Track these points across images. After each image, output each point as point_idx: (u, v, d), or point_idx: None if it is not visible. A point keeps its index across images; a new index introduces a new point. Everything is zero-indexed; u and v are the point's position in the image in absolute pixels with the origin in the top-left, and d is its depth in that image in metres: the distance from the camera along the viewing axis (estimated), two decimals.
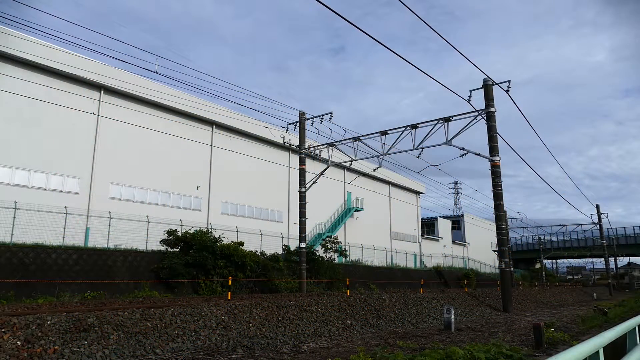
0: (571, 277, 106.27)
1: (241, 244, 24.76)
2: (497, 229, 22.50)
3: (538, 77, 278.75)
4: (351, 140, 25.77)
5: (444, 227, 70.03)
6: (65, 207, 23.61)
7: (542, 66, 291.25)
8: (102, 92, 26.74)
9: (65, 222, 23.42)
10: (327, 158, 26.85)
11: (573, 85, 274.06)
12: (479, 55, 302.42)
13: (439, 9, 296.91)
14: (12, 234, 20.69)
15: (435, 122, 22.87)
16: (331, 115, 25.82)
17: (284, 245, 31.29)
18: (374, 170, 29.33)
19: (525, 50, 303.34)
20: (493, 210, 22.40)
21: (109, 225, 24.69)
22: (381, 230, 51.82)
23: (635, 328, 8.62)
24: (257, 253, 26.25)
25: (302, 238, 25.53)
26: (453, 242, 71.74)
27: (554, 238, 70.83)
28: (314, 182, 26.71)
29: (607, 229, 63.11)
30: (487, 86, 22.58)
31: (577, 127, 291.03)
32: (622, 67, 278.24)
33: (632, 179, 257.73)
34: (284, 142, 29.23)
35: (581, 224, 56.42)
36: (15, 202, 21.36)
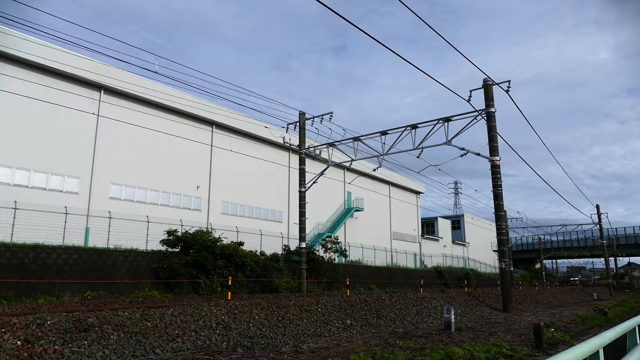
0: (576, 278, 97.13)
1: (241, 244, 24.76)
2: (497, 229, 22.50)
3: (540, 76, 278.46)
4: (351, 140, 25.78)
5: (444, 227, 70.02)
6: (65, 207, 23.60)
7: (544, 65, 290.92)
8: (102, 92, 26.74)
9: (65, 222, 23.42)
10: (327, 158, 26.85)
11: (575, 84, 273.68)
12: (481, 54, 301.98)
13: (441, 7, 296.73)
14: (12, 234, 20.69)
15: (435, 122, 22.88)
16: (331, 115, 25.85)
17: (284, 245, 31.29)
18: (374, 170, 29.34)
19: (527, 48, 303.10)
20: (493, 210, 22.41)
21: (109, 225, 24.69)
22: (381, 230, 51.80)
23: (635, 328, 8.62)
24: (257, 253, 26.24)
25: (302, 238, 25.53)
26: (453, 242, 71.74)
27: (554, 238, 70.88)
28: (314, 182, 26.71)
29: (607, 229, 63.16)
30: (487, 86, 22.58)
31: (579, 127, 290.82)
32: (625, 66, 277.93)
33: (634, 178, 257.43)
34: (284, 142, 29.23)
35: (581, 224, 56.56)
36: (15, 202, 21.36)
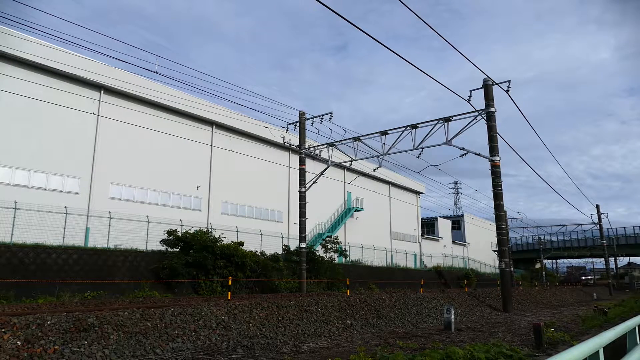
0: (589, 277, 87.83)
1: (241, 244, 24.76)
2: (497, 229, 22.50)
3: (541, 75, 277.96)
4: (351, 140, 25.78)
5: (444, 227, 70.01)
6: (65, 207, 23.60)
7: (546, 64, 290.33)
8: (102, 92, 26.73)
9: (65, 222, 23.42)
10: (327, 158, 26.85)
11: (577, 83, 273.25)
12: (483, 53, 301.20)
13: (443, 5, 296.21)
14: (12, 234, 20.69)
15: (435, 122, 22.88)
16: (331, 115, 25.85)
17: (284, 245, 31.29)
18: (374, 170, 29.32)
19: (529, 48, 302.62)
20: (493, 210, 22.40)
21: (109, 225, 24.69)
22: (381, 230, 51.80)
23: (635, 328, 8.61)
24: (257, 253, 26.25)
25: (302, 238, 25.53)
26: (453, 242, 71.72)
27: (554, 238, 70.92)
28: (314, 182, 26.71)
29: (607, 229, 63.15)
30: (487, 86, 22.58)
31: (580, 126, 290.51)
32: (626, 66, 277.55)
33: (634, 178, 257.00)
34: (284, 142, 29.22)
35: (581, 224, 56.52)
36: (15, 202, 21.36)
